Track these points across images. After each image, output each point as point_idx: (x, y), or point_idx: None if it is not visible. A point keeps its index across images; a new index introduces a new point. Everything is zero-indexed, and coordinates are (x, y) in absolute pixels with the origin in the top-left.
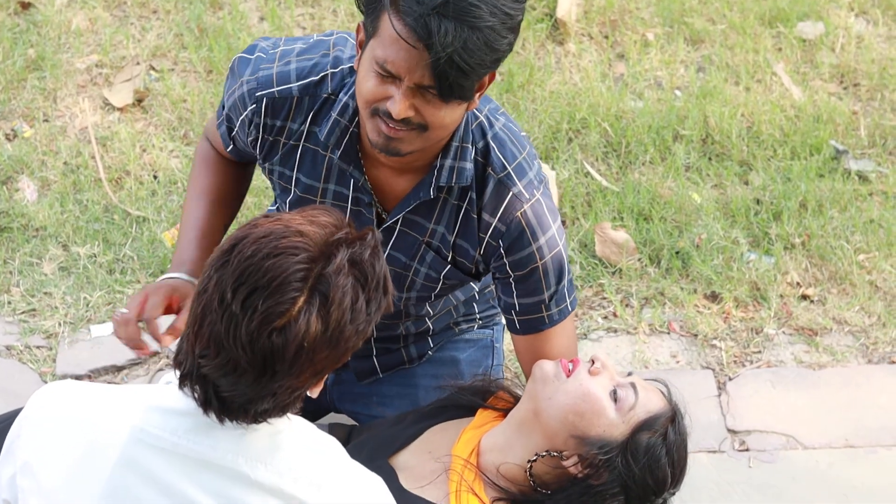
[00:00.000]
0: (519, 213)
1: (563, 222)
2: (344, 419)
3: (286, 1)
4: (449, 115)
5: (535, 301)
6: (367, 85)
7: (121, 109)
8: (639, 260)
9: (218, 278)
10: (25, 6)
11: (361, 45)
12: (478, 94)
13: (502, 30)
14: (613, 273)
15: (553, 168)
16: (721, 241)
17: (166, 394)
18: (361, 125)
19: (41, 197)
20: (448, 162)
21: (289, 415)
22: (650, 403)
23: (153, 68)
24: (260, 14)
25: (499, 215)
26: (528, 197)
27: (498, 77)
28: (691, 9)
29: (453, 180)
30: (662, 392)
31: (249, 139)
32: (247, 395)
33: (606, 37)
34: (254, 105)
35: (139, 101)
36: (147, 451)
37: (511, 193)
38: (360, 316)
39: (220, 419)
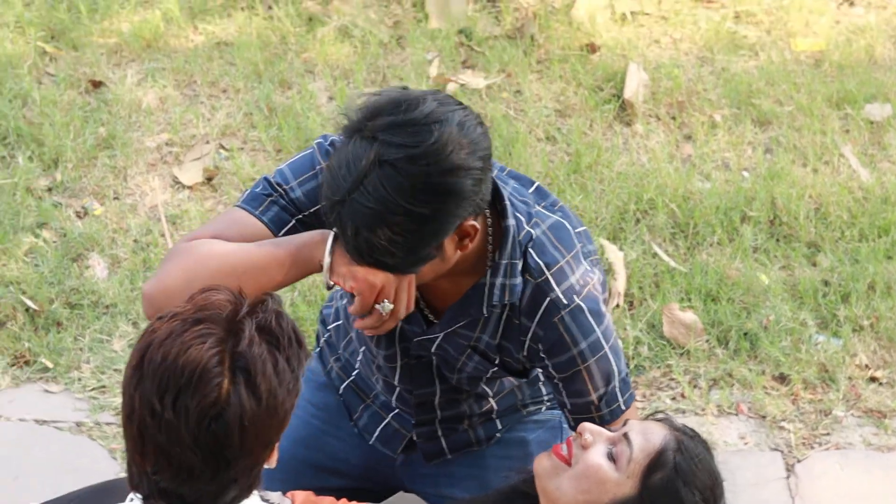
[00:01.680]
0: (556, 319)
1: (631, 303)
2: (414, 499)
3: (354, 82)
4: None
5: (584, 402)
6: None
7: (190, 188)
8: (706, 341)
9: (140, 395)
10: (96, 85)
11: None
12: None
13: (405, 224)
14: (681, 354)
15: (621, 249)
16: (789, 322)
17: None
18: None
19: (111, 274)
20: (499, 280)
21: (256, 493)
22: (648, 444)
23: (223, 147)
24: (329, 94)
25: (537, 320)
26: (566, 303)
27: (566, 157)
28: (758, 90)
29: (506, 298)
30: (663, 424)
31: (310, 200)
32: (212, 491)
33: (674, 118)
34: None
35: (209, 179)
36: None
37: (549, 299)
38: (285, 377)
39: None
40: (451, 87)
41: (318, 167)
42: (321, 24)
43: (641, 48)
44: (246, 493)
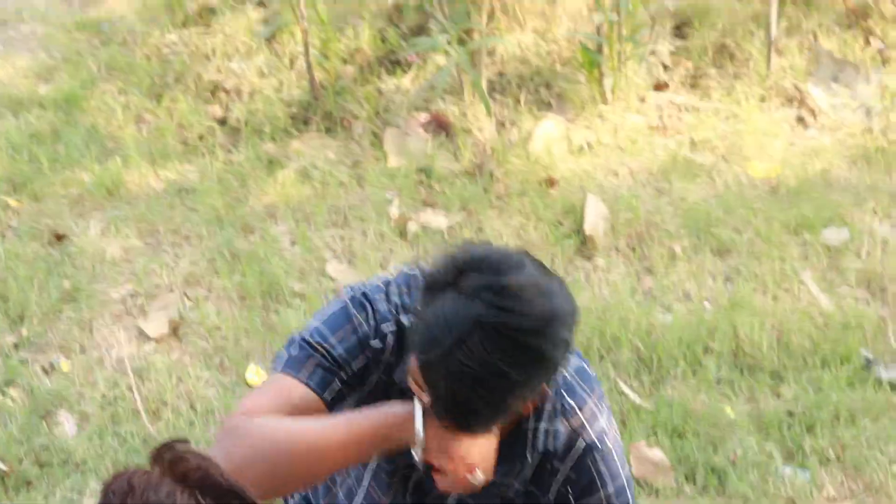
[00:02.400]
0: (590, 462)
1: None
2: None
3: (315, 224)
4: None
5: None
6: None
7: (156, 339)
8: (675, 479)
9: None
10: (60, 237)
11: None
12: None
13: (506, 389)
14: (650, 493)
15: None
16: (756, 455)
17: None
18: None
19: (80, 431)
20: (542, 425)
21: None
22: None
23: (187, 296)
24: (291, 237)
25: (571, 464)
26: (599, 446)
27: None
28: (717, 219)
29: (550, 444)
30: None
31: (366, 371)
32: None
33: (634, 250)
34: (378, 341)
35: (174, 330)
36: None
37: (585, 443)
38: None
39: None
40: (412, 228)
41: (355, 321)
42: (281, 166)
43: (599, 179)
44: None
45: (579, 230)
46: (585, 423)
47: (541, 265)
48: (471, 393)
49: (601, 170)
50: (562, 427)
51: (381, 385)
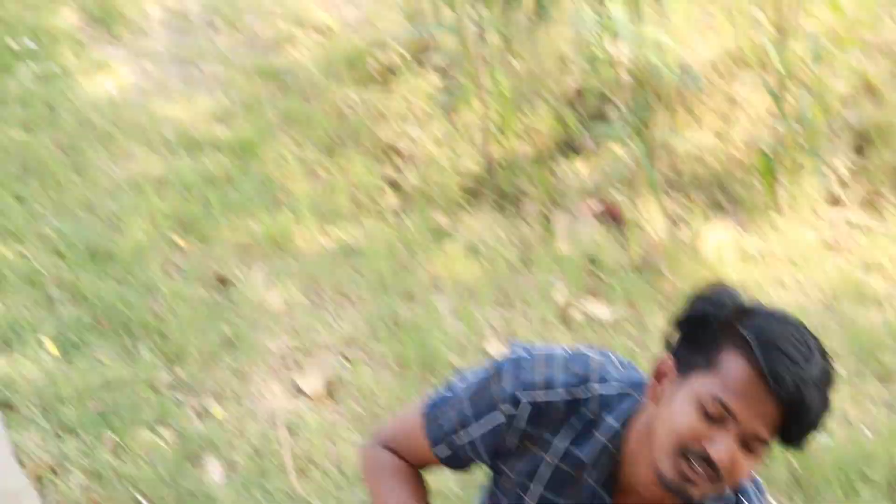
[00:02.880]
0: None
1: None
2: None
3: (478, 300)
4: (750, 467)
5: None
6: (685, 421)
7: (311, 396)
8: None
9: None
10: (223, 281)
11: (667, 375)
12: None
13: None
14: None
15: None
16: None
17: None
18: (627, 454)
19: (227, 479)
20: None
21: None
22: None
23: (345, 357)
24: (453, 311)
25: None
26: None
27: None
28: (884, 345)
29: None
30: None
31: (487, 444)
32: None
33: None
34: (513, 407)
35: (329, 389)
36: None
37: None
38: None
39: None
40: (575, 316)
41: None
42: (449, 238)
43: (767, 289)
44: None
45: None
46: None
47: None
48: (827, 399)
49: (770, 281)
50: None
51: (541, 467)
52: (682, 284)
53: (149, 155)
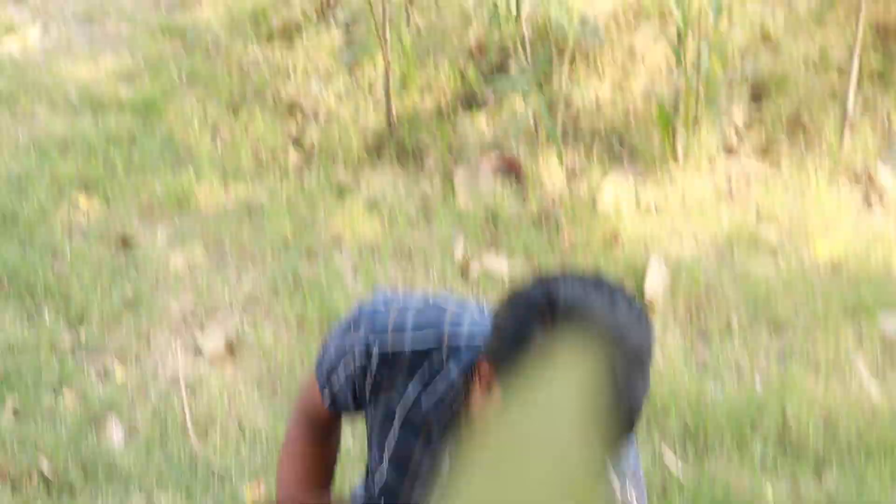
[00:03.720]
0: None
1: None
2: None
3: (380, 256)
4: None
5: None
6: None
7: (211, 356)
8: None
9: None
10: (126, 243)
11: (490, 384)
12: None
13: None
14: None
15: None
16: None
17: None
18: (470, 405)
19: (128, 441)
20: None
21: None
22: None
23: (246, 315)
24: (354, 268)
25: None
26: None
27: None
28: (776, 295)
29: None
30: None
31: (351, 390)
32: None
33: (691, 318)
34: (365, 359)
35: (230, 349)
36: None
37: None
38: None
39: None
40: (474, 270)
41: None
42: (351, 194)
43: (664, 241)
44: None
45: (640, 291)
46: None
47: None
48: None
49: (666, 232)
50: None
51: (396, 407)
52: (579, 237)
53: (52, 115)
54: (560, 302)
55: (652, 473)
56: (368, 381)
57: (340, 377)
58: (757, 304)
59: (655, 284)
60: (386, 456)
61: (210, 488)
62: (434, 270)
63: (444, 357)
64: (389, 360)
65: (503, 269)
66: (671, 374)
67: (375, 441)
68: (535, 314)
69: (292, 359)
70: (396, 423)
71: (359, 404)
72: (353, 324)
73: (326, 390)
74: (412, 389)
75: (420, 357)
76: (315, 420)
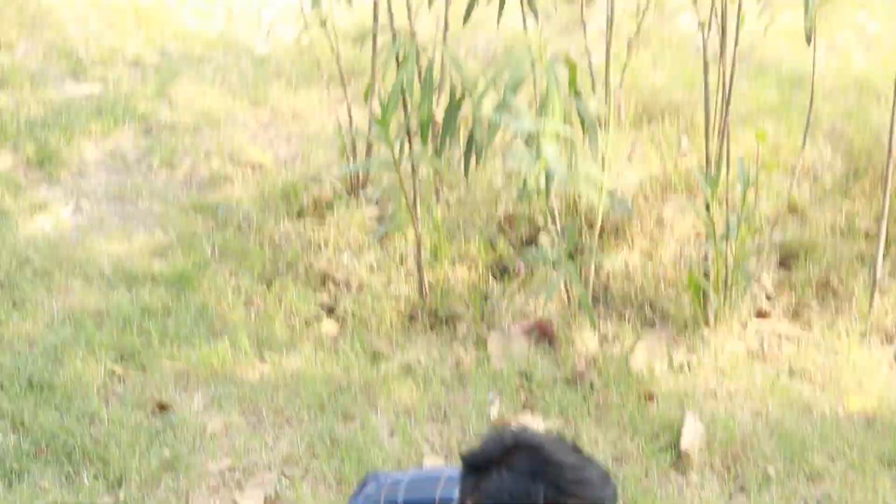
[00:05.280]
0: None
1: None
2: None
3: (416, 418)
4: None
5: None
6: None
7: None
8: None
9: None
10: (163, 407)
11: None
12: None
13: None
14: None
15: None
16: None
17: None
18: None
19: None
20: None
21: None
22: None
23: (284, 475)
24: (390, 428)
25: None
26: None
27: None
28: (812, 446)
29: None
30: None
31: None
32: None
33: (728, 469)
34: None
35: None
36: None
37: None
38: None
39: None
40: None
41: None
42: (385, 359)
43: (697, 398)
44: None
45: (675, 445)
46: None
47: (575, 445)
48: None
49: (700, 390)
50: None
51: None
52: (614, 396)
53: (87, 289)
54: (522, 440)
55: None
56: None
57: None
58: (793, 455)
59: (691, 439)
60: None
61: None
62: (471, 430)
63: None
64: None
65: (539, 428)
66: None
67: None
68: (498, 446)
69: None
70: None
71: None
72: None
73: None
74: None
75: None
76: None
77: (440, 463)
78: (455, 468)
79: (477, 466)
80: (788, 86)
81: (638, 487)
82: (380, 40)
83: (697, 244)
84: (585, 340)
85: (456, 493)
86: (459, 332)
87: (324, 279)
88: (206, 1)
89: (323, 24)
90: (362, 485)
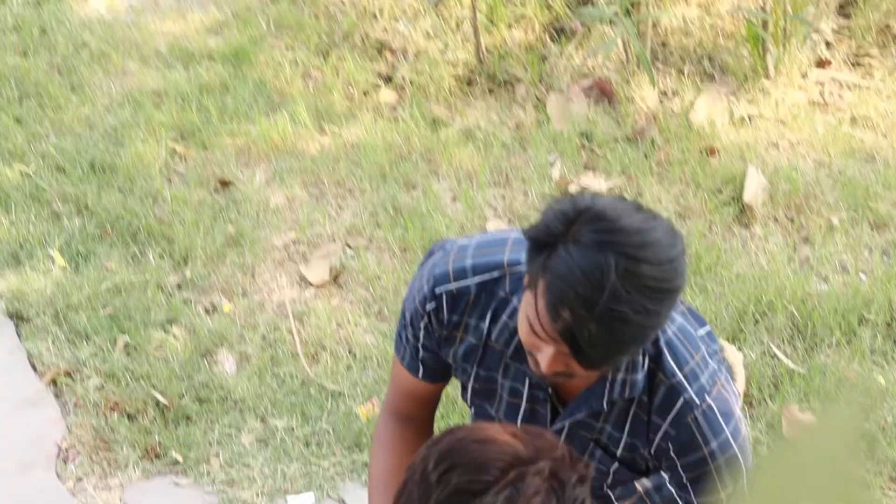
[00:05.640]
0: (689, 419)
1: (750, 403)
2: None
3: (477, 183)
4: (601, 370)
5: (713, 500)
6: (520, 328)
7: (317, 286)
8: None
9: (426, 453)
10: (225, 184)
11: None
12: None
13: (645, 325)
14: None
15: (740, 349)
16: None
17: None
18: None
19: (240, 370)
20: (620, 376)
21: None
22: None
23: (348, 246)
24: (452, 194)
25: (669, 420)
26: (698, 403)
27: (686, 259)
28: (876, 194)
29: (626, 394)
30: None
31: (432, 339)
32: None
33: (792, 220)
34: (433, 303)
35: (335, 277)
36: None
37: (682, 399)
38: None
39: None
40: (572, 190)
41: (415, 286)
42: (444, 126)
43: (759, 151)
44: None
45: (738, 199)
46: (685, 381)
47: (637, 203)
48: (617, 335)
49: (761, 142)
50: (641, 378)
51: (473, 350)
52: (675, 152)
53: (144, 70)
54: (584, 209)
55: (763, 367)
56: (445, 327)
57: (420, 336)
58: (857, 204)
59: (754, 191)
60: (469, 396)
61: (324, 409)
62: (532, 193)
63: (508, 290)
64: (457, 300)
65: (602, 188)
66: (774, 274)
67: (462, 382)
68: (560, 220)
69: (397, 283)
70: (473, 360)
71: (444, 360)
72: (417, 285)
73: (410, 358)
74: (481, 323)
75: (486, 291)
76: (406, 415)
77: (503, 226)
78: (519, 229)
79: (542, 244)
80: None
81: (702, 242)
82: None
83: None
84: (645, 97)
85: (524, 255)
86: (518, 95)
87: (380, 48)
88: None
89: None
90: (429, 254)
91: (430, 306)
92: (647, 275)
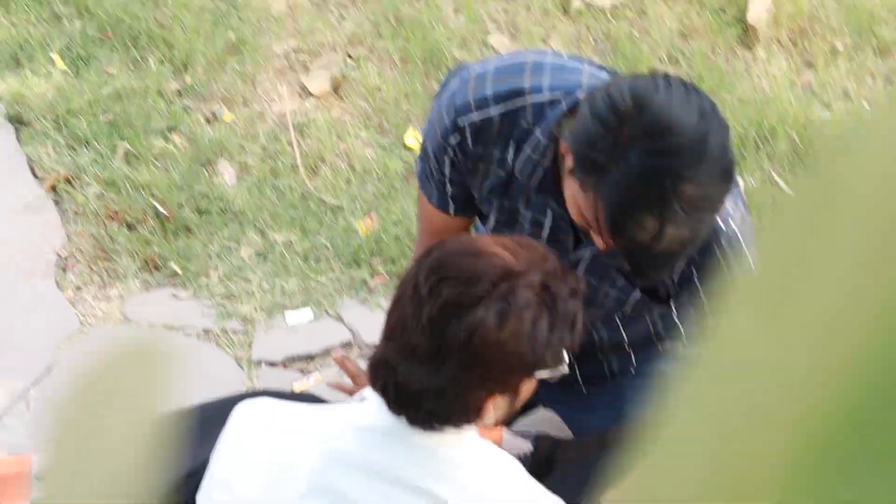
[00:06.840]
0: (715, 244)
1: None
2: (553, 418)
3: None
4: None
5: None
6: (572, 211)
7: (317, 96)
8: None
9: (418, 268)
10: None
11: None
12: None
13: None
14: None
15: (741, 175)
16: None
17: (359, 411)
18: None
19: (240, 181)
20: None
21: (467, 433)
22: None
23: (349, 56)
24: (455, 6)
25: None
26: (724, 229)
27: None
28: (881, 19)
29: None
30: None
31: (458, 172)
32: (419, 382)
33: (795, 44)
34: (457, 135)
35: (335, 88)
36: (339, 470)
37: (711, 228)
38: (539, 335)
39: (398, 412)
40: (575, 4)
41: (435, 115)
42: None
43: None
44: (446, 419)
45: (742, 20)
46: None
47: (681, 85)
48: (678, 253)
49: None
50: None
51: (500, 183)
52: None
53: None
54: (627, 117)
55: (762, 193)
56: (470, 159)
57: (446, 171)
58: (861, 29)
59: (758, 13)
60: (490, 226)
61: (323, 223)
62: (535, 7)
63: (531, 120)
64: (481, 131)
65: (605, 3)
66: (776, 98)
67: (485, 212)
68: (604, 136)
69: (398, 96)
70: (497, 191)
71: (471, 193)
72: (437, 116)
73: (439, 195)
74: (505, 153)
75: (508, 120)
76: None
77: (505, 41)
78: (535, 52)
79: (589, 162)
80: None
81: (705, 63)
82: None
83: None
84: None
85: (544, 81)
86: None
87: None
88: None
89: None
90: (445, 83)
91: (454, 139)
92: (704, 196)
